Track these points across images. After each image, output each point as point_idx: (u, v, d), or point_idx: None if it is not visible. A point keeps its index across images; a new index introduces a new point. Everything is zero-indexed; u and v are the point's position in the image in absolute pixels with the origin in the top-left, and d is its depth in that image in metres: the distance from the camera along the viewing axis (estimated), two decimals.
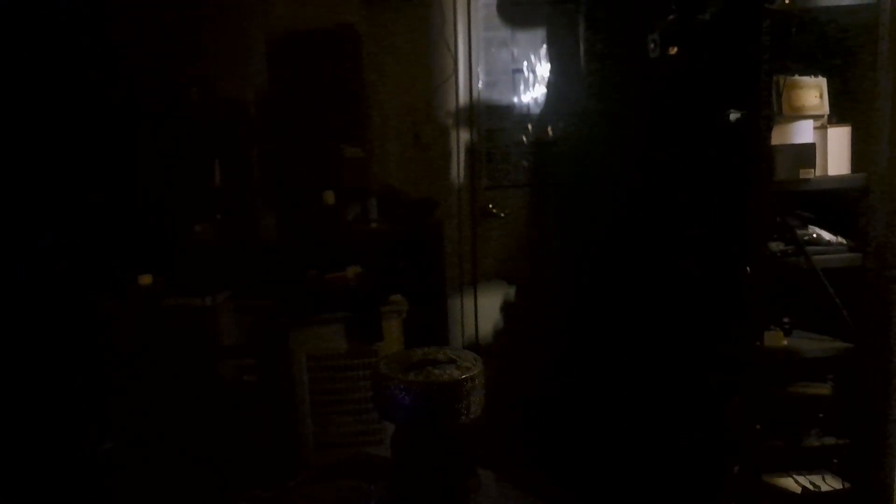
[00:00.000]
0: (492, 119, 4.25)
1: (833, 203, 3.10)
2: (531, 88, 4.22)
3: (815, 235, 3.05)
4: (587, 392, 3.81)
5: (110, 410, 3.48)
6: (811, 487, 3.01)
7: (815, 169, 2.97)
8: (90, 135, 3.60)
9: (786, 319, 3.14)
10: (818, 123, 3.05)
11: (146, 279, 3.56)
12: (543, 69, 4.19)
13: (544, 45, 4.18)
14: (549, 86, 4.19)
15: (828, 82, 3.04)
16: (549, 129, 4.19)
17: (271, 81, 3.89)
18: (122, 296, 3.54)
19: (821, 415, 3.04)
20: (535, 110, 4.23)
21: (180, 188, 3.70)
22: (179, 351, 3.49)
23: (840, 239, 3.04)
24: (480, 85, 4.20)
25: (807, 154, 2.97)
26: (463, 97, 4.17)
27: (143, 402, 3.46)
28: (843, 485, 3.01)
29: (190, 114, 3.71)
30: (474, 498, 2.43)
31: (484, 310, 4.28)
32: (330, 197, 3.82)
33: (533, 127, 4.22)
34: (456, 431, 2.40)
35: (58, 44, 3.55)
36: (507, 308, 4.30)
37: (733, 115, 2.96)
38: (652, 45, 3.22)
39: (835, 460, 3.05)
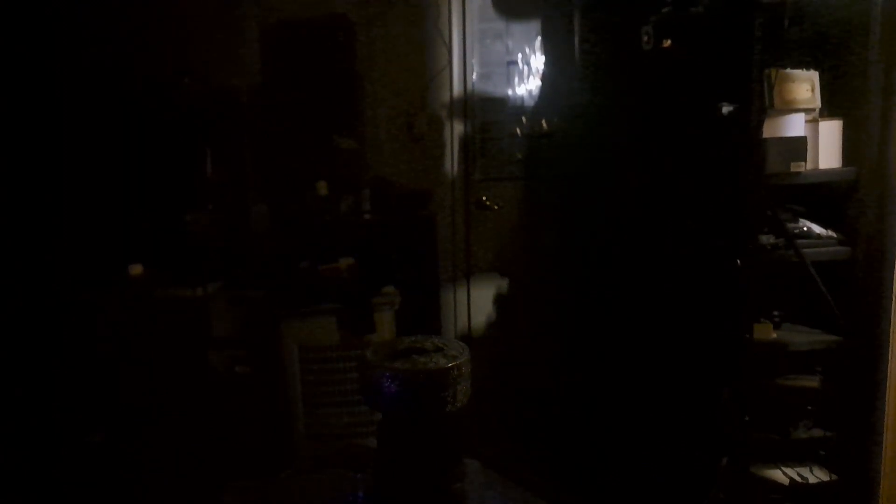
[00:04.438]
0: (486, 111, 4.24)
1: (823, 196, 3.10)
2: (525, 80, 4.21)
3: (805, 229, 3.05)
4: (579, 383, 3.81)
5: (100, 402, 3.48)
6: (799, 479, 3.02)
7: (806, 162, 2.97)
8: (79, 124, 3.58)
9: (775, 312, 3.14)
10: (809, 117, 3.05)
11: (137, 269, 3.56)
12: (538, 61, 4.17)
13: (539, 37, 4.17)
14: (543, 78, 4.18)
15: (819, 76, 3.03)
16: (544, 121, 4.17)
17: (264, 71, 3.87)
18: (113, 286, 3.54)
19: (809, 407, 3.05)
20: (530, 102, 4.21)
21: (171, 177, 3.69)
22: (170, 342, 3.50)
23: (830, 232, 3.04)
24: (475, 77, 4.19)
25: (798, 147, 2.97)
26: (457, 89, 4.15)
27: (133, 393, 3.46)
28: (831, 476, 3.02)
29: (182, 102, 3.70)
30: (459, 486, 2.44)
31: (477, 302, 4.28)
32: (323, 188, 3.82)
33: (527, 119, 4.20)
34: (442, 420, 2.41)
35: (48, 32, 3.54)
36: (500, 300, 4.30)
37: (725, 108, 2.96)
38: (646, 38, 3.21)
39: (823, 452, 3.06)
